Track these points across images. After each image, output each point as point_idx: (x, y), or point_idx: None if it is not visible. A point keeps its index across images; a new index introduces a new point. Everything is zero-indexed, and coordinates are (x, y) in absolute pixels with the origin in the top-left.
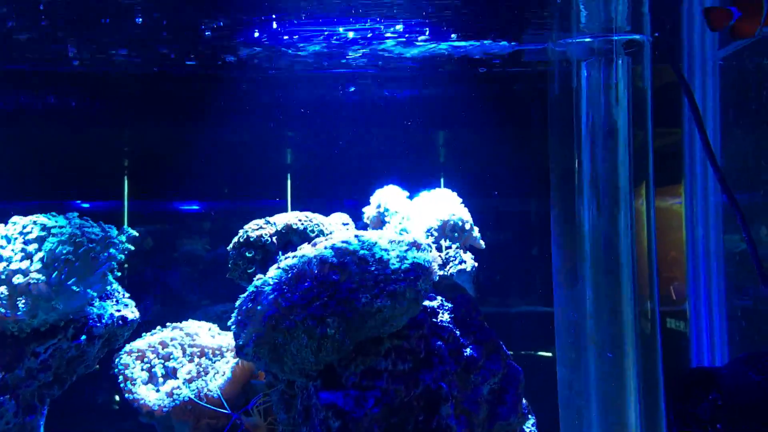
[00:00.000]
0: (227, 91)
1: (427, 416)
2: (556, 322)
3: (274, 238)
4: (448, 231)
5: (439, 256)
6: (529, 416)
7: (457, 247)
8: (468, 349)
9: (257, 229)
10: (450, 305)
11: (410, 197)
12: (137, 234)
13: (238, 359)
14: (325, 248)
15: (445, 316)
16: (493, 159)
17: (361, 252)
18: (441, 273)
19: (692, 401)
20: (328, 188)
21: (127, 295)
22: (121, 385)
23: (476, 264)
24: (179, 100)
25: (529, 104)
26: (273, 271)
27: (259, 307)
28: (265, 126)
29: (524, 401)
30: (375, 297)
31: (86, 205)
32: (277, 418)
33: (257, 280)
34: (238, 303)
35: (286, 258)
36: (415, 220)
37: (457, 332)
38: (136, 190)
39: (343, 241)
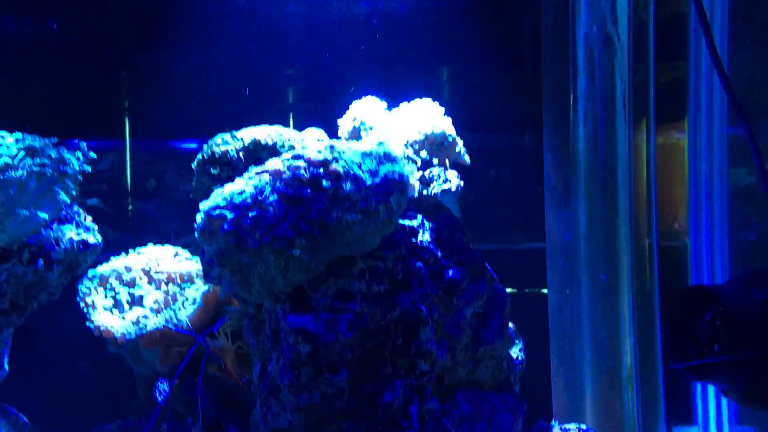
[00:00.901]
0: (205, 22)
1: (405, 341)
2: (547, 246)
3: (241, 154)
4: (430, 145)
5: (422, 174)
6: (517, 341)
7: (441, 167)
8: (450, 271)
9: (222, 145)
10: (431, 225)
11: (389, 109)
12: (94, 156)
13: (209, 286)
14: (294, 158)
15: (425, 237)
16: (483, 89)
17: (333, 165)
18: (424, 192)
19: (689, 321)
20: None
21: (89, 218)
22: (84, 312)
23: (462, 183)
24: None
25: (522, 23)
26: (238, 184)
27: (224, 225)
28: (255, 52)
29: (511, 326)
30: (345, 212)
31: (83, 144)
32: (247, 343)
33: (219, 193)
34: (199, 221)
35: (251, 171)
36: (394, 133)
37: (439, 253)
38: (136, 129)
39: (313, 152)
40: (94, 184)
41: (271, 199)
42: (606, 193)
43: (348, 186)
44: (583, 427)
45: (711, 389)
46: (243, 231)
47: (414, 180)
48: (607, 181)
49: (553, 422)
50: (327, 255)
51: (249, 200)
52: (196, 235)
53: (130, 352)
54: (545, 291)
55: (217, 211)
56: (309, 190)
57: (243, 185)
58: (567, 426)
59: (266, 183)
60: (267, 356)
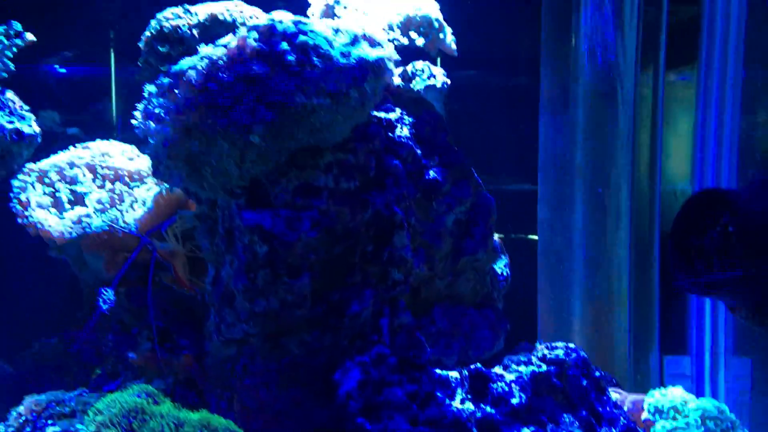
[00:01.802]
0: None
1: (377, 247)
2: (540, 155)
3: (194, 31)
4: (413, 28)
5: (404, 69)
6: (502, 255)
7: (426, 61)
8: (431, 172)
9: (173, 19)
10: (411, 120)
11: None
12: (32, 37)
13: (161, 187)
14: (253, 30)
15: (403, 132)
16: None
17: (299, 39)
18: (405, 86)
19: (698, 230)
20: None
21: (26, 108)
22: (16, 209)
23: (448, 81)
24: None
25: None
26: (188, 61)
27: (172, 106)
28: None
29: (497, 238)
30: (312, 95)
31: (63, 71)
32: (199, 246)
33: (166, 73)
34: (141, 106)
35: (205, 48)
36: (373, 14)
37: (419, 152)
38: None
39: (275, 23)
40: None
41: (226, 78)
42: (607, 101)
43: (316, 64)
44: (571, 345)
45: (707, 318)
46: (193, 115)
47: (392, 65)
48: (607, 86)
49: (537, 344)
50: (289, 144)
51: (200, 80)
52: (139, 123)
53: (74, 258)
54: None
55: (164, 92)
56: (270, 68)
57: (194, 62)
58: (554, 344)
59: (221, 60)
60: (221, 260)
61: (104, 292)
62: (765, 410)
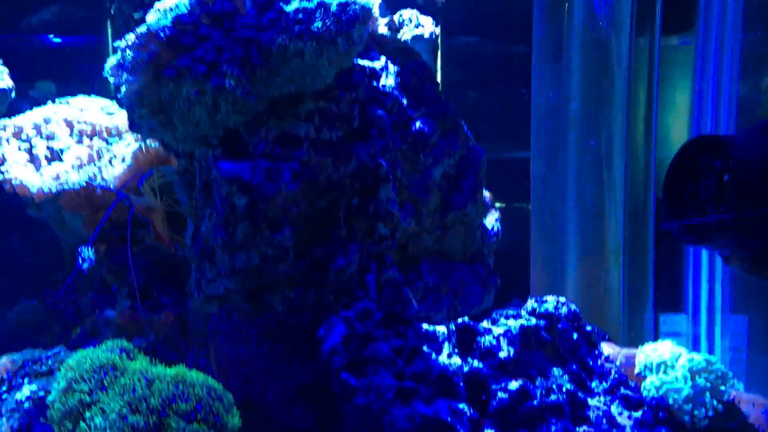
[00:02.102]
0: None
1: (362, 200)
2: (533, 107)
3: None
4: None
5: (390, 18)
6: (493, 210)
7: (413, 10)
8: (418, 123)
9: None
10: (397, 69)
11: None
12: None
13: (140, 143)
14: None
15: (389, 81)
16: None
17: None
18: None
19: (692, 177)
20: None
21: None
22: None
23: (437, 32)
24: None
25: None
26: (162, 4)
27: (144, 55)
28: None
29: (487, 194)
30: (295, 38)
31: (58, 40)
32: (178, 201)
33: (139, 20)
34: (115, 57)
35: None
36: None
37: (405, 102)
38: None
39: None
40: None
41: (198, 17)
42: (603, 50)
43: (298, 2)
44: (562, 299)
45: (704, 275)
46: (162, 60)
47: (377, 9)
48: (605, 35)
49: (529, 299)
50: (267, 90)
51: (172, 21)
52: (112, 73)
53: (53, 217)
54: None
55: (134, 39)
56: (248, 3)
57: (168, 4)
58: (544, 298)
59: (192, 2)
60: (200, 214)
61: (83, 251)
62: (761, 367)
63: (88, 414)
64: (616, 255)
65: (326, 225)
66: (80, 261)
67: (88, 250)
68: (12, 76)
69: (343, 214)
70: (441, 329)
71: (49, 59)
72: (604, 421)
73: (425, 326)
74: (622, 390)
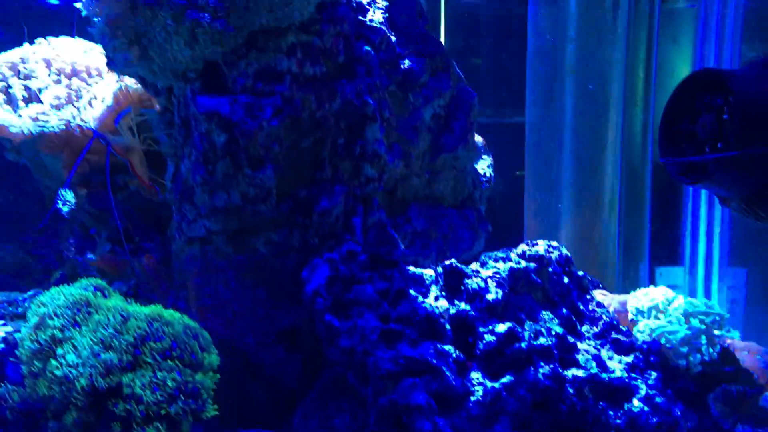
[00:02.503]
0: None
1: (348, 140)
2: (528, 52)
3: None
4: None
5: None
6: (486, 156)
7: None
8: (406, 62)
9: None
10: (386, 4)
11: None
12: None
13: (122, 84)
14: None
15: (377, 16)
16: None
17: None
18: None
19: (690, 115)
20: None
21: None
22: None
23: None
24: None
25: None
26: None
27: None
28: None
29: (480, 140)
30: None
31: (55, 1)
32: (158, 140)
33: None
34: None
35: None
36: None
37: (393, 39)
38: None
39: None
40: None
41: None
42: None
43: None
44: (554, 243)
45: (702, 227)
46: None
47: None
48: None
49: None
50: (246, 21)
51: None
52: (84, 6)
53: (33, 160)
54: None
55: None
56: None
57: None
58: (535, 241)
59: None
60: (180, 153)
61: (62, 194)
62: (758, 320)
63: (59, 350)
64: (612, 204)
65: (311, 165)
66: (59, 204)
67: (67, 192)
68: None
69: (329, 155)
70: (428, 272)
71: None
72: (594, 364)
73: (412, 269)
74: (613, 334)
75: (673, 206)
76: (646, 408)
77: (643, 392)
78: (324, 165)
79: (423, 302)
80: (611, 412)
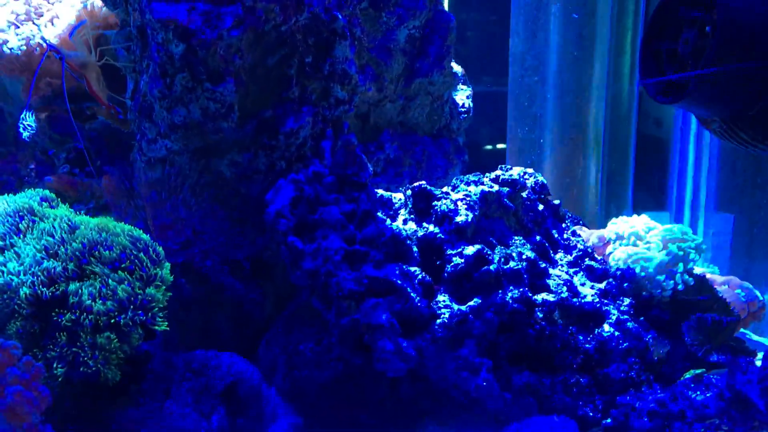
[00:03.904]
0: None
1: (316, 59)
2: None
3: None
4: None
5: None
6: (465, 86)
7: None
8: None
9: None
10: None
11: None
12: None
13: (87, 2)
14: None
15: None
16: None
17: None
18: None
19: (671, 32)
20: None
21: None
22: None
23: None
24: None
25: None
26: None
27: None
28: None
29: (459, 69)
30: None
31: None
32: (116, 56)
33: None
34: None
35: None
36: None
37: None
38: None
39: None
40: None
41: None
42: None
43: None
44: (529, 171)
45: (689, 171)
46: None
47: None
48: None
49: None
50: None
51: None
52: None
53: None
54: None
55: None
56: None
57: None
58: (510, 167)
59: None
60: (138, 69)
61: (24, 118)
62: (743, 266)
63: (1, 258)
64: (596, 141)
65: (277, 86)
66: (21, 128)
67: (27, 116)
68: None
69: (296, 74)
70: (398, 196)
71: None
72: (565, 289)
73: (381, 192)
74: (587, 261)
75: (659, 149)
76: (616, 333)
77: (614, 318)
78: (291, 84)
79: (390, 225)
80: (581, 337)
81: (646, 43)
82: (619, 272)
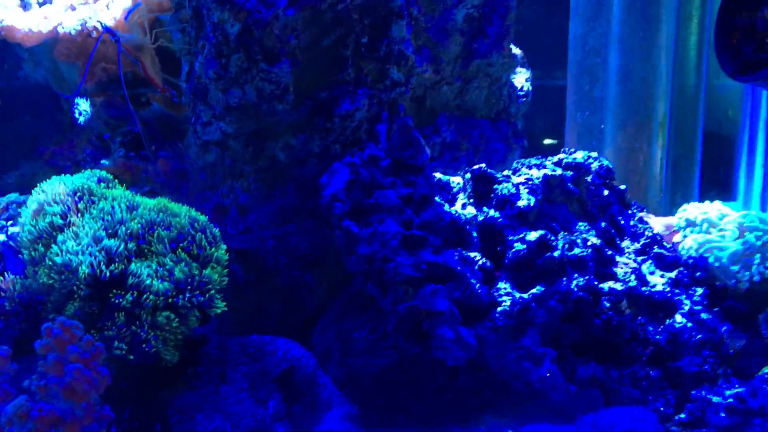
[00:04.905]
0: None
1: (372, 39)
2: None
3: None
4: None
5: None
6: (524, 69)
7: None
8: None
9: None
10: None
11: None
12: None
13: None
14: None
15: None
16: None
17: None
18: None
19: (748, 7)
20: None
21: None
22: None
23: None
24: None
25: None
26: None
27: None
28: None
29: (519, 51)
30: None
31: None
32: (171, 38)
33: None
34: None
35: None
36: None
37: None
38: None
39: None
40: None
41: None
42: None
43: None
44: (594, 154)
45: (759, 158)
46: None
47: None
48: None
49: None
50: None
51: None
52: None
53: (50, 70)
54: None
55: None
56: None
57: None
58: (574, 150)
59: None
60: (193, 50)
61: (78, 103)
62: None
63: (60, 237)
64: (661, 127)
65: (332, 66)
66: (76, 113)
67: (83, 101)
68: None
69: (351, 54)
70: (456, 179)
71: None
72: (633, 278)
73: (439, 176)
74: (656, 249)
75: (728, 135)
76: (689, 324)
77: (686, 308)
78: (346, 65)
79: (449, 210)
80: (650, 328)
81: (723, 18)
82: (691, 260)
